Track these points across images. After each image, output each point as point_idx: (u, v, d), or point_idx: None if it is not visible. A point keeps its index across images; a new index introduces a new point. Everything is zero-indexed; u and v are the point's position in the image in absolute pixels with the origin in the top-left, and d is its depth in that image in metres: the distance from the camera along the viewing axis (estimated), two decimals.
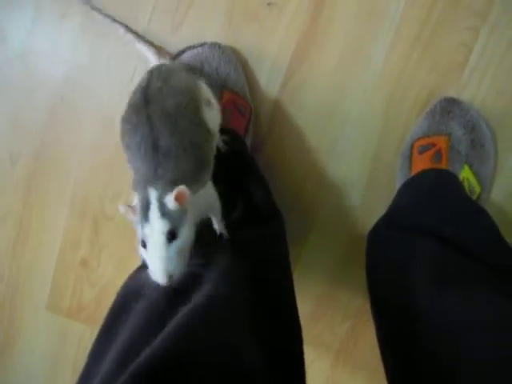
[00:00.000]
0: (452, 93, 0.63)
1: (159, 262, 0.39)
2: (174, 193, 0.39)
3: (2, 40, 0.69)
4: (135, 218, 0.41)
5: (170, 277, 0.39)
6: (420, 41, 0.62)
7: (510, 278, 0.47)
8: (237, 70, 0.62)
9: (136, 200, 0.42)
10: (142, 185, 0.41)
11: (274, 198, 0.61)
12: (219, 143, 0.55)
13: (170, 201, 0.39)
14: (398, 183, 0.65)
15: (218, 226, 0.50)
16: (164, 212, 0.39)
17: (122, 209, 0.40)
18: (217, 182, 0.49)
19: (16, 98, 0.71)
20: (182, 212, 0.40)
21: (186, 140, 0.43)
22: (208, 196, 0.46)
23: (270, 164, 0.68)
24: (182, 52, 0.62)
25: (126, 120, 0.45)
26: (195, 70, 0.62)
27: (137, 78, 0.67)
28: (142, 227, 0.40)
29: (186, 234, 0.40)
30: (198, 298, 0.40)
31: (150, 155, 0.42)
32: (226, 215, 0.52)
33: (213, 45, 0.62)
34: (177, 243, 0.39)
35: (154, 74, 0.47)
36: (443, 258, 0.51)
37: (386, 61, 0.63)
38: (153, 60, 0.59)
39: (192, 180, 0.42)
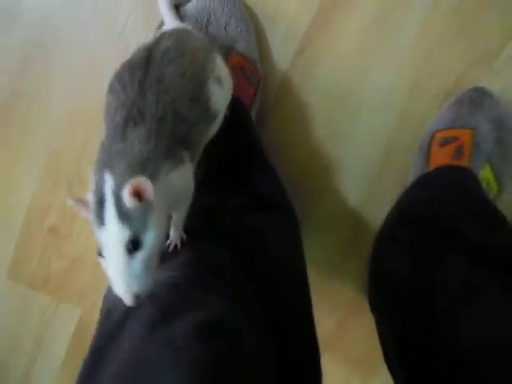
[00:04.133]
0: (481, 83, 0.58)
1: (120, 280, 0.31)
2: (129, 187, 0.30)
3: None
4: (89, 215, 0.32)
5: (135, 297, 0.31)
6: (457, 18, 0.55)
7: None
8: (249, 30, 0.54)
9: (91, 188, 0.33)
10: (99, 166, 0.33)
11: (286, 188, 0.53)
12: None
13: (126, 198, 0.30)
14: (412, 175, 0.60)
15: (175, 229, 0.40)
16: (122, 212, 0.30)
17: (70, 202, 0.32)
18: (209, 158, 0.41)
19: None
20: (145, 210, 0.31)
21: (170, 111, 0.35)
22: (183, 183, 0.37)
23: (272, 142, 0.61)
24: (188, 0, 0.53)
25: (117, 77, 0.37)
26: (200, 25, 0.53)
27: (129, 28, 0.58)
28: (98, 229, 0.31)
29: (153, 239, 0.31)
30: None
31: (120, 126, 0.33)
32: (218, 201, 0.45)
33: None
34: (141, 255, 0.31)
35: (167, 33, 0.40)
36: (465, 272, 0.46)
37: (416, 39, 0.56)
38: (170, 23, 0.50)
39: (165, 156, 0.34)
